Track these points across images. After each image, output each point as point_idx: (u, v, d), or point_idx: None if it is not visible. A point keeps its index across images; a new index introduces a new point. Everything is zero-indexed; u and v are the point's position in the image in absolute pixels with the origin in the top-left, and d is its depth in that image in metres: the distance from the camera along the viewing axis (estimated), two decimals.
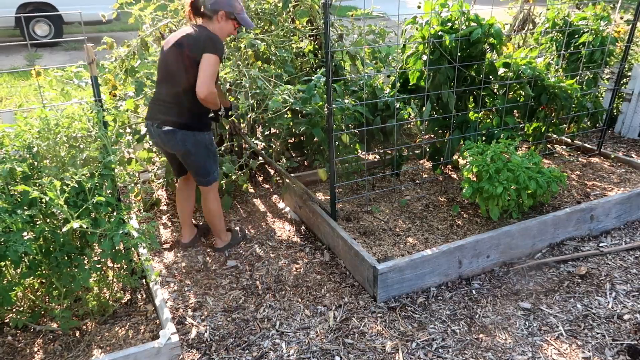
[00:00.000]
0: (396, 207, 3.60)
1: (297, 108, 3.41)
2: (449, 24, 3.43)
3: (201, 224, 3.45)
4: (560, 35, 4.56)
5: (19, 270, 2.31)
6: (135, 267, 2.63)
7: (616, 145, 4.87)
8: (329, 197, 3.33)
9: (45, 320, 2.55)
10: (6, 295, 2.15)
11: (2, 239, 2.06)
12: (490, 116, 3.98)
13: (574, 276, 2.92)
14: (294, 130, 3.72)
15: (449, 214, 3.48)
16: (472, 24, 3.37)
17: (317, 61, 4.16)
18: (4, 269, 2.27)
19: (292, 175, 3.68)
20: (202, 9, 2.73)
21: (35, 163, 2.36)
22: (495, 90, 3.85)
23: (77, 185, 2.25)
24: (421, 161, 4.37)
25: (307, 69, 4.13)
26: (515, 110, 3.95)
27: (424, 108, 3.62)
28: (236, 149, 3.95)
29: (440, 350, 2.39)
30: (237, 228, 3.39)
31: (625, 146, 4.85)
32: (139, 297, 2.75)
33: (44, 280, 2.44)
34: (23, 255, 2.17)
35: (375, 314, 2.63)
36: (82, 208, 2.22)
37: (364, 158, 4.10)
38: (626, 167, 4.22)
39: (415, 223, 3.38)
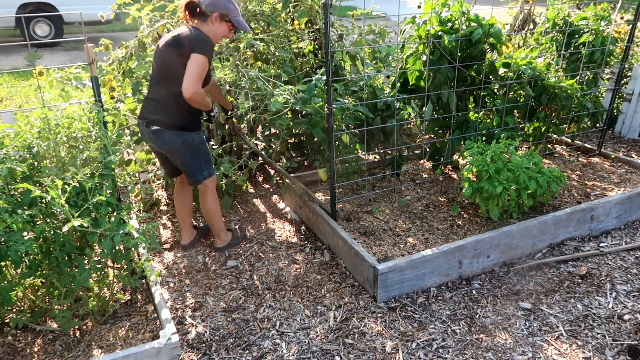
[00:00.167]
0: (396, 207, 3.60)
1: (297, 108, 3.41)
2: (449, 24, 3.43)
3: (201, 225, 3.45)
4: (561, 35, 4.56)
5: (19, 270, 2.31)
6: (136, 267, 2.63)
7: (616, 146, 4.87)
8: (329, 197, 3.33)
9: (45, 320, 2.55)
10: (6, 295, 2.15)
11: (3, 238, 2.06)
12: (491, 116, 3.98)
13: (574, 276, 2.92)
14: (294, 130, 3.72)
15: (449, 214, 3.48)
16: (473, 24, 3.37)
17: (317, 61, 4.15)
18: (4, 269, 2.27)
19: (292, 175, 3.68)
20: (198, 10, 2.72)
21: (36, 163, 2.36)
22: (495, 90, 3.85)
23: (77, 185, 2.25)
24: (421, 161, 4.37)
25: (307, 69, 4.13)
26: (515, 110, 3.95)
27: (424, 108, 3.62)
28: (235, 149, 3.95)
29: (440, 350, 2.39)
30: (237, 227, 3.40)
31: (625, 146, 4.85)
32: (139, 297, 2.75)
33: (44, 280, 2.44)
34: (23, 255, 2.17)
35: (375, 314, 2.63)
36: (83, 208, 2.23)
37: (364, 158, 4.10)
38: (626, 167, 4.22)
39: (415, 223, 3.38)
